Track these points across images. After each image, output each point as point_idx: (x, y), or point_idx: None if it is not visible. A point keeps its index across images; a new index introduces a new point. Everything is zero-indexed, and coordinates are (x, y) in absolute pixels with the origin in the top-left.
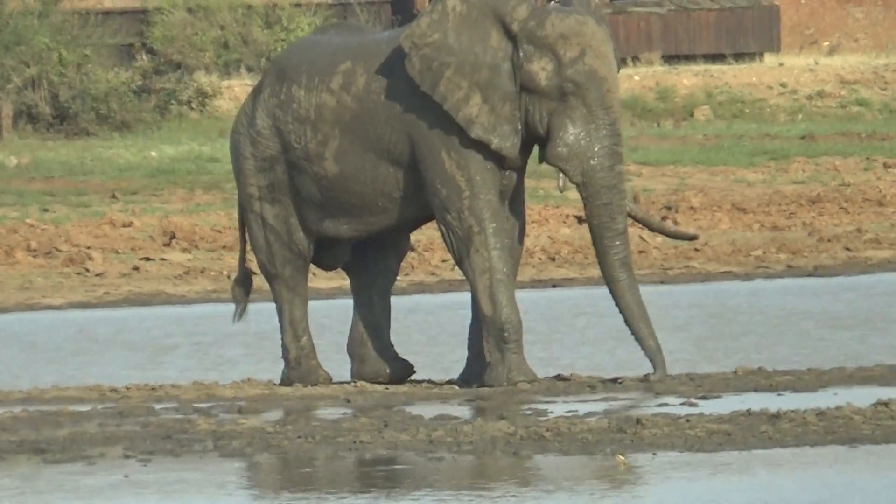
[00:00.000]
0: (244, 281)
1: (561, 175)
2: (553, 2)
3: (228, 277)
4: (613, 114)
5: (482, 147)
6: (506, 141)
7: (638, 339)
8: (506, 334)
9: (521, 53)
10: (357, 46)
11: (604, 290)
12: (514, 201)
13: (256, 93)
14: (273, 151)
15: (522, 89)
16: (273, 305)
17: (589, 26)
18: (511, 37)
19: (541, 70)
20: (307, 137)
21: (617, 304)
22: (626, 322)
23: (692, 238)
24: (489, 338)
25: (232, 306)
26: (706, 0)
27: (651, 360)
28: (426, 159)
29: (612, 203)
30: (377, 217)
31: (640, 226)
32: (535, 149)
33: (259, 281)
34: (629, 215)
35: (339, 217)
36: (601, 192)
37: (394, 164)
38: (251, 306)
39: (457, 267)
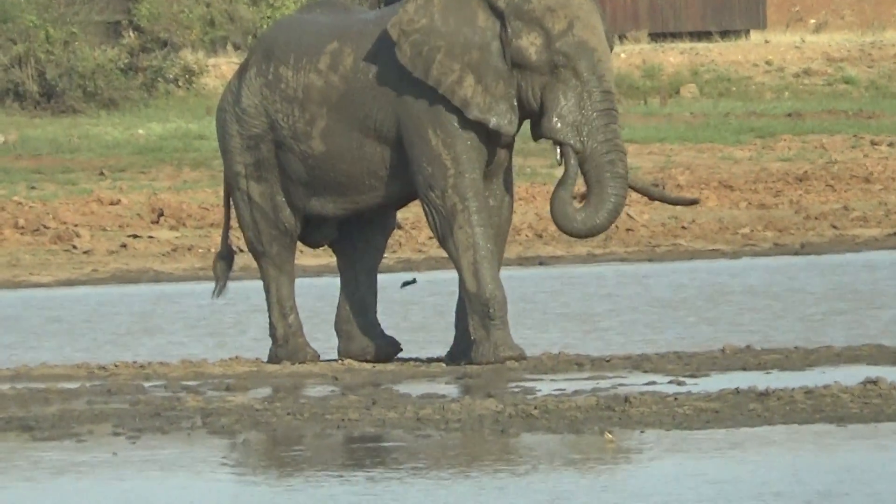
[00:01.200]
0: (226, 257)
1: (557, 148)
2: None
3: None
4: (606, 83)
5: (469, 125)
6: (503, 119)
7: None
8: (490, 310)
9: (510, 30)
10: (344, 26)
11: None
12: (503, 178)
13: (242, 71)
14: (259, 130)
15: (514, 66)
16: (260, 283)
17: None
18: (498, 14)
19: (530, 45)
20: (294, 117)
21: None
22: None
23: (693, 202)
24: (474, 314)
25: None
26: None
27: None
28: (413, 137)
29: (612, 153)
30: (364, 195)
31: (640, 195)
32: (525, 126)
33: (245, 258)
34: (630, 186)
35: (326, 195)
36: (601, 149)
37: (380, 142)
38: (237, 284)
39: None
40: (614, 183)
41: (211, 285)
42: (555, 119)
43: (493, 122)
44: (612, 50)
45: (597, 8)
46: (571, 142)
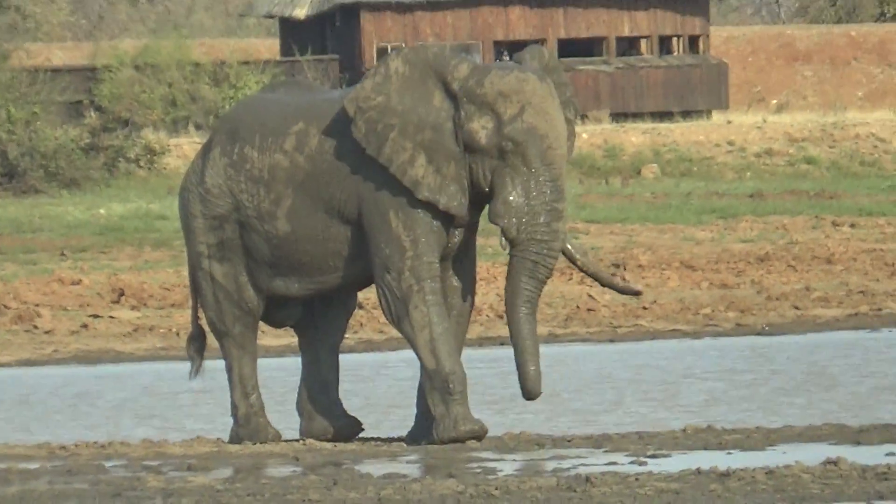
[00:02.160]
0: (198, 338)
1: (502, 233)
2: (500, 59)
3: (178, 335)
4: (555, 170)
5: (430, 208)
6: (453, 200)
7: (520, 363)
8: (450, 386)
9: (462, 112)
10: (309, 106)
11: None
12: (465, 259)
13: (206, 151)
14: (223, 210)
15: (465, 148)
16: (223, 363)
17: (530, 83)
18: (452, 96)
19: (481, 129)
20: (260, 197)
21: (510, 330)
22: (515, 346)
23: (637, 294)
24: (433, 391)
25: (185, 364)
26: (654, 58)
27: (521, 379)
28: (373, 217)
29: (538, 255)
30: (328, 276)
31: (591, 279)
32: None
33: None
34: (581, 269)
35: (290, 275)
36: (530, 245)
37: (345, 223)
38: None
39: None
40: (531, 285)
41: (172, 365)
42: (499, 204)
43: (442, 202)
44: (576, 116)
45: (552, 94)
46: (506, 233)
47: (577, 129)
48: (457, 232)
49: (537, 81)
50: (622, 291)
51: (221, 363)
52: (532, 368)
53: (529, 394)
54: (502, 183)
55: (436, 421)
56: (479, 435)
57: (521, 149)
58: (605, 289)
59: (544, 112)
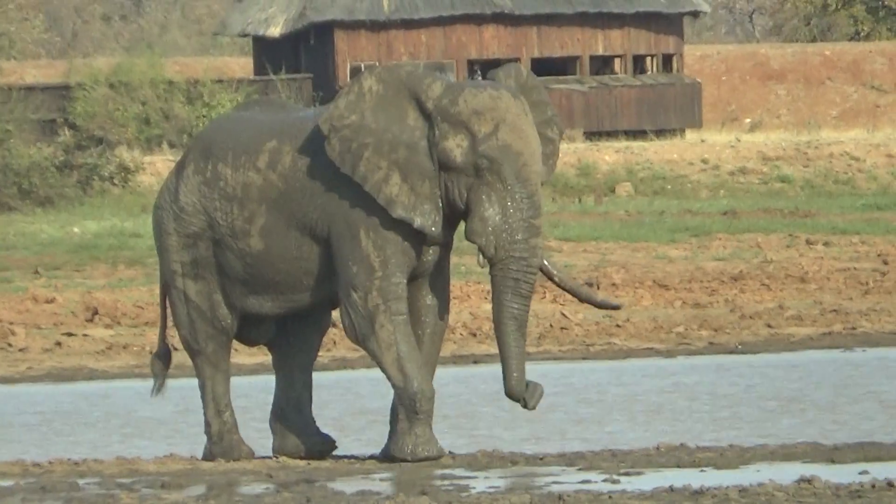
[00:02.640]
0: (164, 355)
1: (479, 251)
2: (473, 78)
3: (151, 353)
4: (531, 187)
5: (402, 228)
6: (427, 219)
7: (505, 367)
8: (417, 405)
9: (437, 131)
10: (282, 124)
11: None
12: (439, 278)
13: (180, 169)
14: (197, 228)
15: (440, 167)
16: (196, 381)
17: (503, 100)
18: (426, 115)
19: (456, 147)
20: (234, 215)
21: (498, 345)
22: (501, 356)
23: (615, 308)
24: (401, 406)
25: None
26: (628, 77)
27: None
28: (342, 235)
29: (518, 272)
30: (301, 294)
31: (569, 295)
32: (463, 224)
33: (180, 356)
34: (558, 285)
35: (264, 294)
36: (509, 262)
37: (318, 241)
38: (174, 382)
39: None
40: (515, 302)
41: (146, 383)
42: (476, 222)
43: (417, 221)
44: (560, 135)
45: (526, 111)
46: (484, 251)
47: None
48: (431, 251)
49: (511, 99)
50: (601, 306)
51: (195, 381)
52: (515, 374)
53: (512, 393)
54: (478, 201)
55: (396, 434)
56: (436, 459)
57: (497, 166)
58: (579, 307)
59: (519, 129)
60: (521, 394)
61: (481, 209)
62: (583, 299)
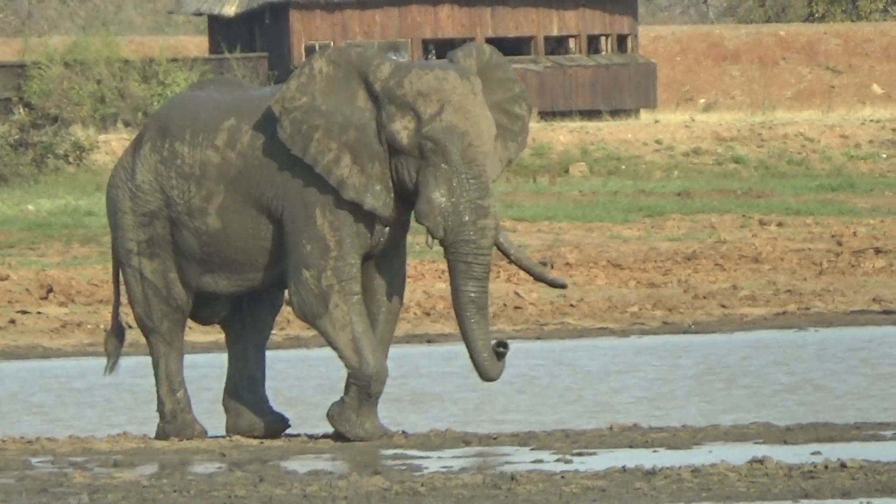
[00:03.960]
0: (117, 333)
1: (428, 232)
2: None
3: (105, 331)
4: (477, 167)
5: (358, 209)
6: (378, 200)
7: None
8: (371, 387)
9: (384, 113)
10: (240, 103)
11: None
12: (395, 257)
13: (136, 147)
14: (153, 206)
15: (389, 149)
16: (149, 359)
17: (449, 81)
18: (374, 97)
19: (402, 129)
20: (191, 193)
21: (461, 331)
22: (465, 341)
23: (563, 286)
24: (352, 386)
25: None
26: (582, 57)
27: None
28: (296, 214)
29: (469, 255)
30: (257, 273)
31: (523, 274)
32: None
33: (134, 334)
34: (513, 262)
35: (219, 272)
36: (460, 245)
37: (274, 220)
38: (126, 360)
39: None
40: (470, 283)
41: (100, 361)
42: (424, 204)
43: (368, 202)
44: (529, 111)
45: (474, 91)
46: (433, 232)
47: None
48: (386, 230)
49: (458, 79)
50: (551, 284)
51: (148, 359)
52: (485, 356)
53: (486, 377)
54: (425, 182)
55: (343, 406)
56: (376, 440)
57: (441, 148)
58: (533, 287)
59: (465, 110)
60: (496, 375)
61: (427, 191)
62: (536, 277)
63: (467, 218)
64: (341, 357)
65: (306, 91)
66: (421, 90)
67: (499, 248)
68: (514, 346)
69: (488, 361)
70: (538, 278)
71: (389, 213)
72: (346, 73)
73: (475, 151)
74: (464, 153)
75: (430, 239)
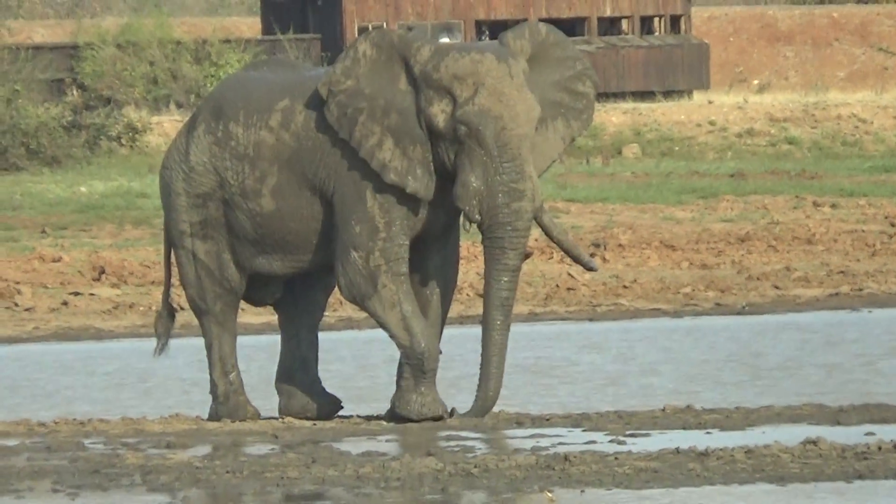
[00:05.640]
0: (168, 315)
1: (464, 216)
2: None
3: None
4: (511, 150)
5: (402, 191)
6: (419, 183)
7: (482, 377)
8: (425, 364)
9: (423, 97)
10: (294, 84)
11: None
12: (448, 239)
13: (190, 129)
14: (207, 188)
15: (428, 132)
16: (201, 340)
17: (485, 64)
18: (414, 80)
19: (440, 112)
20: (245, 174)
21: (483, 339)
22: (482, 357)
23: (592, 269)
24: (406, 365)
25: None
26: (635, 38)
27: (478, 400)
28: (348, 194)
29: (504, 239)
30: (311, 254)
31: (557, 248)
32: None
33: (186, 316)
34: (555, 241)
35: (273, 254)
36: (495, 228)
37: (327, 202)
38: (178, 341)
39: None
40: (504, 276)
41: (152, 343)
42: (459, 187)
43: (410, 186)
44: (594, 88)
45: (511, 73)
46: (469, 216)
47: None
48: (439, 213)
49: (494, 62)
50: (585, 266)
51: (200, 341)
52: (491, 394)
53: (479, 413)
54: (461, 166)
55: (401, 392)
56: (441, 419)
57: (475, 131)
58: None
59: (499, 93)
60: (487, 412)
61: (463, 175)
62: (574, 259)
63: (501, 200)
64: (392, 336)
65: (351, 74)
66: (456, 73)
67: (541, 227)
68: (567, 327)
69: (491, 399)
70: (575, 260)
71: (429, 197)
72: (388, 57)
73: (509, 135)
74: (497, 136)
75: (467, 223)
